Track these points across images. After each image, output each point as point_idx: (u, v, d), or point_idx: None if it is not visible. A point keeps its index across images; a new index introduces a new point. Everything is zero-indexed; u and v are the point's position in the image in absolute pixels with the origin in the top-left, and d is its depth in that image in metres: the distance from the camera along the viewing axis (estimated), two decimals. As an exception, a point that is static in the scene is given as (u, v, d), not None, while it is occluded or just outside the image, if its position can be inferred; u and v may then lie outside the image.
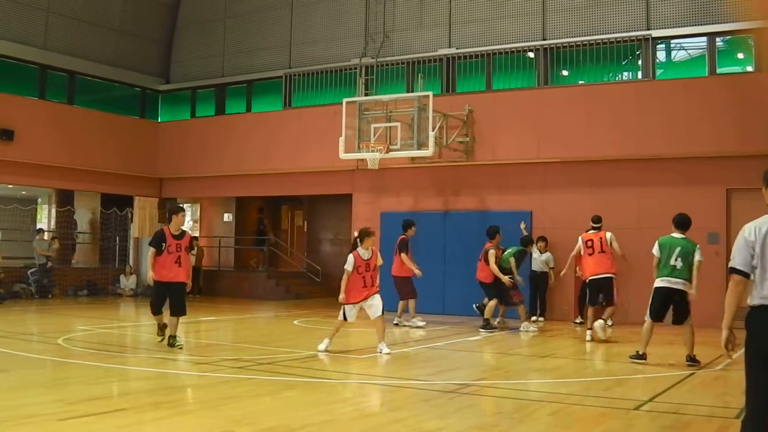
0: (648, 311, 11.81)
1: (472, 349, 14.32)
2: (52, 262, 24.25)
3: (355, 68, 23.94)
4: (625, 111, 19.15)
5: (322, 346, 12.57)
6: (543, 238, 19.43)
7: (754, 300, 5.08)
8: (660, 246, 11.86)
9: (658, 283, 11.76)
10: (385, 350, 12.50)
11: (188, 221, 32.64)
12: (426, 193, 21.75)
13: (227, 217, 30.81)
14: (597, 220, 15.92)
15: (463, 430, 7.29)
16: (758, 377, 4.98)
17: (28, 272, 23.94)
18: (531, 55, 21.66)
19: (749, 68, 19.37)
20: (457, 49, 22.62)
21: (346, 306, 12.55)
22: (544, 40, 21.29)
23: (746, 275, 5.12)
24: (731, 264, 5.22)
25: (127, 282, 26.14)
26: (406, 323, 17.21)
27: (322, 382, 9.99)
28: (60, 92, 26.01)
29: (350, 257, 12.52)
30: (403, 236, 17.63)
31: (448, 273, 20.34)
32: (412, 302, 17.43)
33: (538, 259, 19.33)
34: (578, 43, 20.71)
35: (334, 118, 21.19)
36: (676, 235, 11.94)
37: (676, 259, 11.67)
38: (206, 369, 10.83)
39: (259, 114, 26.20)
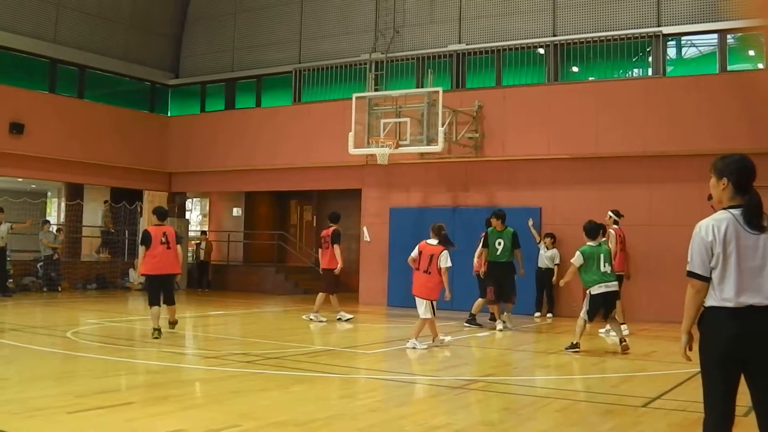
0: (585, 312, 12.74)
1: (480, 345, 14.31)
2: (59, 254, 24.34)
3: (365, 63, 23.93)
4: (635, 108, 19.09)
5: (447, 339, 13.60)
6: (550, 235, 19.41)
7: (710, 301, 4.82)
8: (585, 255, 12.71)
9: (596, 290, 12.65)
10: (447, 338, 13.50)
11: (198, 215, 32.81)
12: (435, 189, 21.74)
13: (236, 211, 30.87)
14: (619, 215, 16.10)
15: (471, 426, 7.29)
16: (715, 381, 4.77)
17: (38, 265, 24.01)
18: (541, 51, 21.62)
19: (760, 65, 19.31)
20: (467, 45, 22.58)
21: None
22: (555, 36, 21.24)
23: (707, 280, 4.81)
24: (690, 268, 4.87)
25: (136, 275, 26.16)
26: (322, 318, 16.91)
27: (329, 376, 10.00)
28: (70, 86, 26.07)
29: None
30: (336, 228, 17.41)
31: (457, 269, 20.24)
32: (335, 297, 17.14)
33: (544, 255, 19.32)
34: (588, 40, 20.65)
35: (343, 114, 21.19)
36: (593, 243, 12.90)
37: (604, 265, 12.74)
38: (214, 363, 10.86)
39: (269, 109, 26.23)
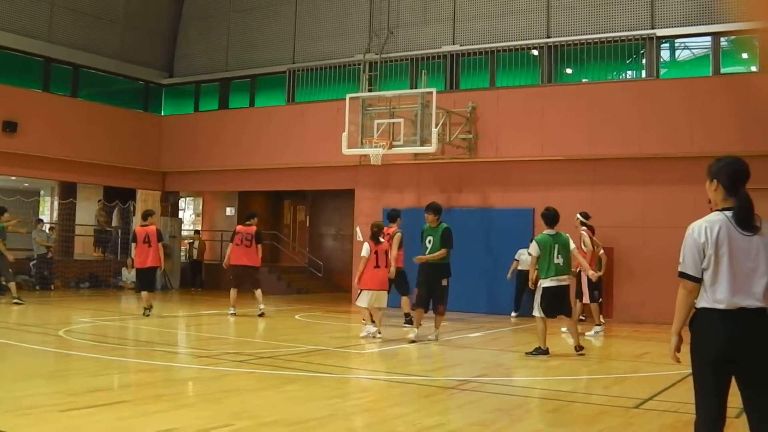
0: (539, 310, 12.14)
1: (473, 345, 14.32)
2: (52, 253, 24.32)
3: (359, 64, 23.93)
4: (629, 110, 19.14)
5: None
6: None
7: (701, 303, 4.82)
8: (540, 245, 12.24)
9: (547, 283, 12.14)
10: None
11: (191, 214, 32.78)
12: (429, 190, 21.71)
13: (229, 211, 30.84)
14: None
15: (464, 427, 7.30)
16: (707, 382, 4.78)
17: (30, 264, 23.98)
18: (535, 52, 21.65)
19: (753, 68, 19.36)
20: (461, 45, 22.60)
21: None
22: (549, 38, 21.27)
23: (699, 281, 4.81)
24: (682, 269, 4.87)
25: (129, 274, 26.11)
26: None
27: (323, 376, 10.00)
28: (64, 85, 26.02)
29: None
30: (257, 227, 18.25)
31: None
32: (235, 291, 18.09)
33: (525, 259, 19.30)
34: (582, 42, 20.68)
35: (337, 114, 21.21)
36: (550, 232, 12.37)
37: (557, 257, 12.19)
38: (207, 362, 10.85)
39: (263, 109, 26.23)
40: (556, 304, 12.23)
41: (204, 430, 6.70)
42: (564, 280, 12.27)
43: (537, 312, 12.19)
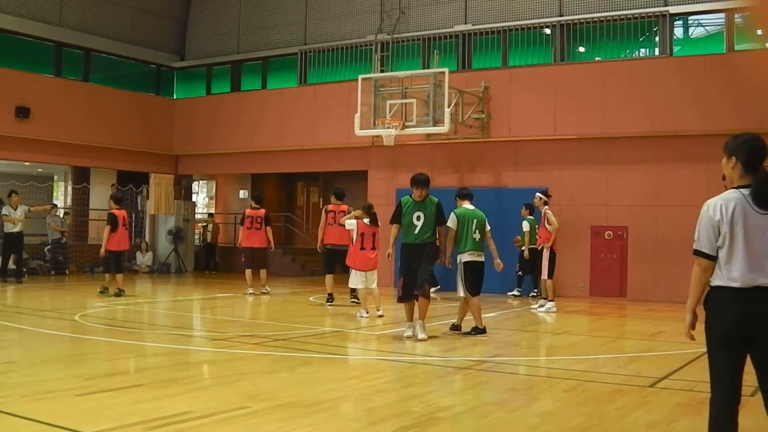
0: (465, 289, 12.00)
1: (487, 325, 14.30)
2: (66, 238, 24.43)
3: (371, 45, 23.85)
4: (642, 88, 19.03)
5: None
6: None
7: (716, 281, 4.78)
8: (459, 218, 12.09)
9: (466, 257, 11.99)
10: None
11: (204, 197, 32.86)
12: (442, 170, 21.67)
13: (243, 193, 30.89)
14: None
15: (479, 407, 7.31)
16: (721, 361, 4.75)
17: (45, 249, 24.09)
18: (547, 31, 21.53)
19: (768, 44, 19.24)
20: (473, 25, 22.50)
21: None
22: (561, 16, 21.15)
23: (713, 259, 4.77)
24: (696, 246, 4.83)
25: (143, 258, 26.25)
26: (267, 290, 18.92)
27: (337, 358, 10.02)
28: (76, 69, 26.05)
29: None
30: (265, 210, 19.07)
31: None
32: (249, 272, 18.90)
33: None
34: (595, 20, 20.56)
35: (349, 95, 21.18)
36: (469, 206, 12.30)
37: (475, 232, 12.05)
38: (222, 345, 10.89)
39: (275, 91, 26.21)
40: (479, 280, 12.16)
41: (220, 412, 6.72)
42: (481, 255, 12.14)
43: (462, 291, 12.08)
